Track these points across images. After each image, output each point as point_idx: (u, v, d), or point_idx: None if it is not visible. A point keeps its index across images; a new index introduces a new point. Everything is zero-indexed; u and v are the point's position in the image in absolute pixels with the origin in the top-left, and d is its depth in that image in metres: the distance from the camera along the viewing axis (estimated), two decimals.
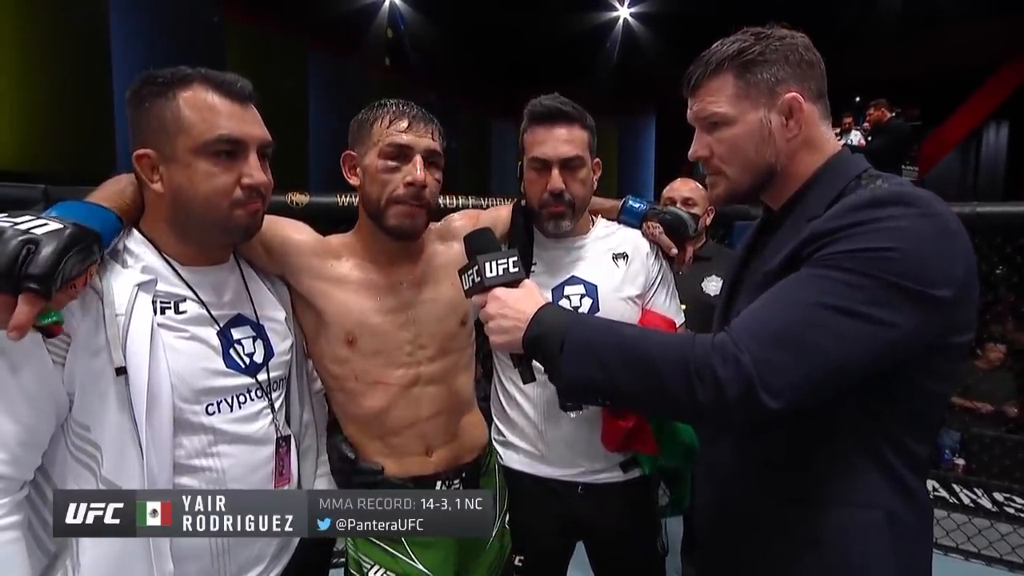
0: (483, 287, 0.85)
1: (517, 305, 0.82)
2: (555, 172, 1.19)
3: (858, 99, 7.72)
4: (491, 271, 0.85)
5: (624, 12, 8.87)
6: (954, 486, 2.79)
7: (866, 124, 6.81)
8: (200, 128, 0.81)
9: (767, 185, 0.85)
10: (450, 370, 1.12)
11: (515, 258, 0.87)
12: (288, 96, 7.62)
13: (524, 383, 0.88)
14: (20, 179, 2.17)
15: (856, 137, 7.12)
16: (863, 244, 0.68)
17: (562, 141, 1.19)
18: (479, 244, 0.90)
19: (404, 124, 1.01)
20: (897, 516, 0.75)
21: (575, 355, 0.75)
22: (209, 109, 0.82)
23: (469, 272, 0.88)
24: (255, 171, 0.84)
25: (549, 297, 1.25)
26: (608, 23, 8.93)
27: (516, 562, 1.29)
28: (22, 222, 0.68)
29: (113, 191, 0.85)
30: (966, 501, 2.75)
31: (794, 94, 0.80)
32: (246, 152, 0.84)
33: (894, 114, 6.59)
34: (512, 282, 0.86)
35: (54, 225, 0.69)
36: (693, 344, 0.70)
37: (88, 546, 0.79)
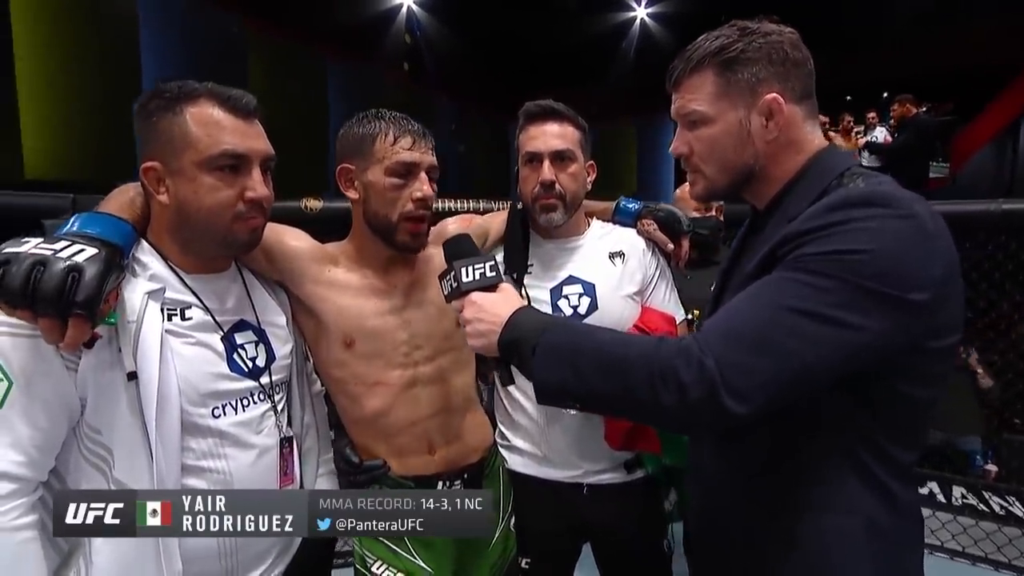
0: (460, 292, 0.87)
1: (493, 309, 0.83)
2: (546, 164, 1.22)
3: (886, 95, 7.53)
4: (467, 276, 0.86)
5: (641, 12, 8.82)
6: (984, 493, 2.70)
7: (892, 120, 6.66)
8: (205, 143, 0.84)
9: (747, 185, 0.85)
10: (448, 369, 1.14)
11: (492, 262, 0.87)
12: (308, 102, 7.78)
13: (503, 386, 0.88)
14: (51, 187, 2.27)
15: (881, 133, 6.96)
16: (833, 246, 0.67)
17: (553, 135, 1.23)
18: (456, 250, 0.91)
19: (409, 141, 1.04)
20: (878, 523, 0.74)
21: (546, 358, 0.75)
22: (215, 124, 0.85)
23: (447, 278, 0.89)
24: (258, 185, 0.88)
25: (548, 297, 1.28)
26: (625, 23, 8.89)
27: (523, 564, 1.30)
28: (61, 248, 0.72)
29: (124, 201, 0.90)
30: (997, 509, 2.66)
31: (774, 95, 0.78)
32: (249, 167, 0.87)
33: (924, 110, 6.41)
34: (489, 286, 0.87)
35: (91, 250, 0.74)
36: (659, 347, 0.71)
37: (101, 545, 0.82)
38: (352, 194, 1.07)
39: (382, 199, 1.04)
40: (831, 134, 6.94)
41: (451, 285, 0.88)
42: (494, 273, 0.87)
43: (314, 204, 2.31)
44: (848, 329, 0.66)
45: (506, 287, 0.88)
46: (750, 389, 0.66)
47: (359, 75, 8.74)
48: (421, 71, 9.24)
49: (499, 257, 1.30)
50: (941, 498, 2.68)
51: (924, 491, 2.71)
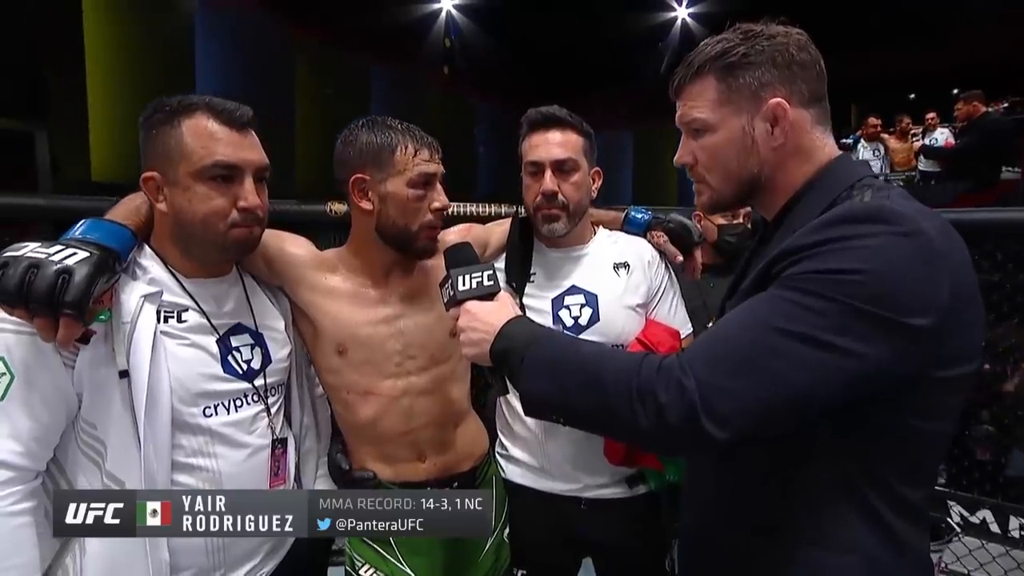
0: (456, 300, 0.87)
1: (487, 318, 0.82)
2: (547, 174, 1.21)
3: (956, 91, 7.04)
4: (463, 284, 0.86)
5: (682, 13, 8.61)
6: None
7: (957, 120, 6.23)
8: (199, 154, 0.87)
9: (754, 195, 0.81)
10: (442, 380, 1.14)
11: (490, 271, 0.87)
12: (351, 104, 8.02)
13: (499, 395, 0.88)
14: (115, 190, 2.41)
15: (943, 136, 6.54)
16: (828, 265, 0.63)
17: (555, 144, 1.22)
18: (456, 259, 0.91)
19: (427, 153, 1.06)
20: (879, 563, 0.69)
21: (533, 371, 0.74)
22: (208, 136, 0.88)
23: (445, 286, 0.89)
24: (250, 195, 0.90)
25: (549, 307, 1.27)
26: (665, 24, 8.70)
27: None
28: (55, 252, 0.77)
29: (130, 208, 0.94)
30: None
31: (779, 100, 0.74)
32: (242, 177, 0.91)
33: (1005, 106, 5.95)
34: (486, 295, 0.86)
35: (82, 253, 0.78)
36: (641, 365, 0.68)
37: None
38: (366, 205, 1.07)
39: (403, 210, 1.06)
40: (884, 136, 6.57)
41: (449, 293, 0.88)
42: (492, 282, 0.87)
43: (339, 207, 2.37)
44: (842, 355, 0.62)
45: (503, 296, 0.87)
46: (731, 414, 0.63)
47: (400, 78, 8.94)
48: (460, 74, 9.35)
49: (500, 265, 1.30)
50: (995, 528, 2.49)
51: (975, 519, 2.52)
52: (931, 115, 6.61)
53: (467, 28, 8.79)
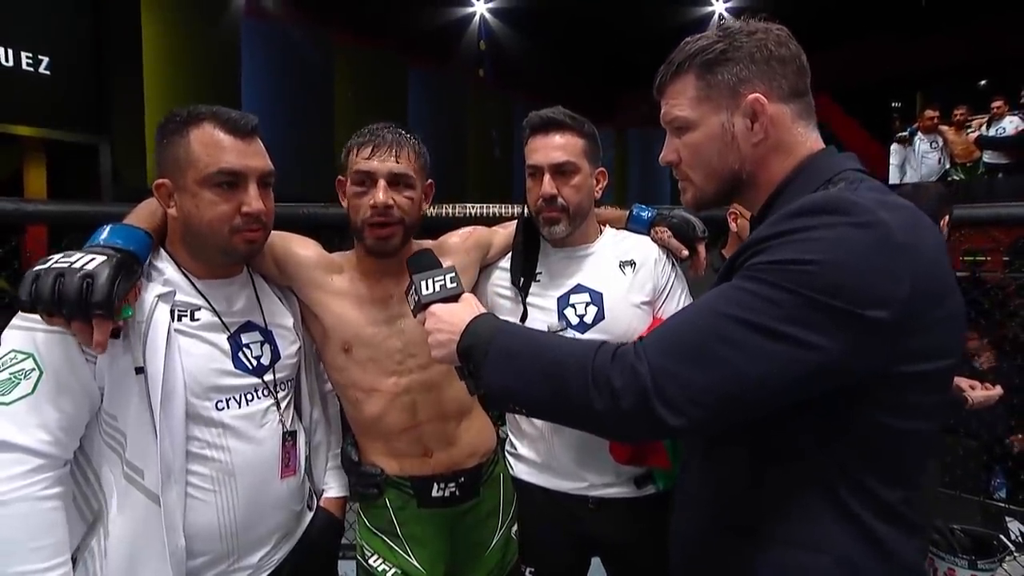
0: (422, 305, 0.88)
1: (451, 318, 0.84)
2: (546, 178, 1.22)
3: None
4: (427, 289, 0.88)
5: (720, 7, 8.37)
6: None
7: None
8: (205, 161, 0.93)
9: (737, 192, 0.81)
10: (443, 378, 1.16)
11: (452, 274, 0.89)
12: (390, 108, 8.20)
13: (471, 395, 0.88)
14: None
15: (1012, 124, 6.12)
16: (785, 255, 0.64)
17: (554, 148, 1.22)
18: (418, 265, 0.93)
19: (368, 151, 1.08)
20: (853, 564, 0.68)
21: (496, 363, 0.76)
22: (214, 145, 0.93)
23: (410, 293, 0.91)
24: (254, 200, 0.95)
25: (555, 306, 1.28)
26: (703, 18, 8.45)
27: (527, 574, 1.30)
28: (75, 260, 0.83)
29: (146, 213, 1.01)
30: None
31: (756, 95, 0.74)
32: (246, 183, 0.95)
33: None
34: (450, 297, 0.88)
35: (100, 258, 0.83)
36: (598, 352, 0.69)
37: (115, 518, 0.92)
38: (344, 204, 1.14)
39: (351, 206, 1.11)
40: (943, 128, 6.19)
41: (414, 299, 0.90)
42: (454, 284, 0.89)
43: None
44: (797, 346, 0.61)
45: (467, 296, 0.89)
46: (683, 401, 0.64)
47: (438, 81, 9.08)
48: (498, 75, 9.41)
49: (505, 265, 1.32)
50: None
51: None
52: (997, 103, 6.19)
53: (504, 30, 8.81)
